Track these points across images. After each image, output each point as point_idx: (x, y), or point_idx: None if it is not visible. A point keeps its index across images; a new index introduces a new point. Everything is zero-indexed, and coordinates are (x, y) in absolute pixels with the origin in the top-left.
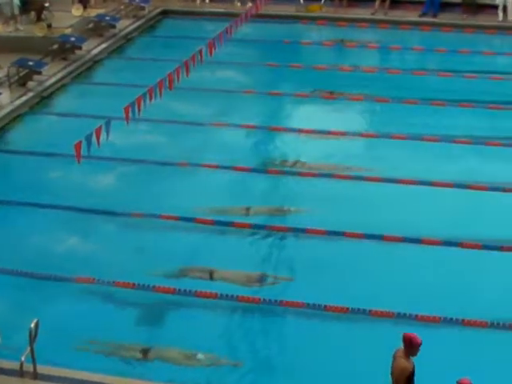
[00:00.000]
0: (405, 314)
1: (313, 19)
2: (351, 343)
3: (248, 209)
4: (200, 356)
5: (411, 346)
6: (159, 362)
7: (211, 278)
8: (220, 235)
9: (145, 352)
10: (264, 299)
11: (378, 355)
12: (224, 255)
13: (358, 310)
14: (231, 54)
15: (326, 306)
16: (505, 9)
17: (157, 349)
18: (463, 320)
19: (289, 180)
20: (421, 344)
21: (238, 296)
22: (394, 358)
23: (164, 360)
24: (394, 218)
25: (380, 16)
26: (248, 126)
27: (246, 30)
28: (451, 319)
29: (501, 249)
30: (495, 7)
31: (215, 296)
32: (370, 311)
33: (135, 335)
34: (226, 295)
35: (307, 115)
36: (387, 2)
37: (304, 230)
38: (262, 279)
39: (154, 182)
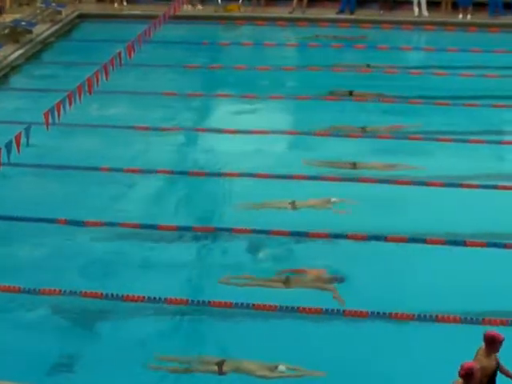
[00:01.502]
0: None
1: (231, 19)
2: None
3: (293, 202)
4: (281, 367)
5: (493, 344)
6: (236, 375)
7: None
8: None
9: (219, 365)
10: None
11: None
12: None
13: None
14: (150, 56)
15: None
16: (419, 4)
17: (232, 361)
18: None
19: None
20: (503, 340)
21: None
22: (476, 357)
23: (241, 372)
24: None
25: (298, 14)
26: (170, 129)
27: (164, 31)
28: None
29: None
30: (410, 3)
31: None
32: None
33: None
34: (287, 307)
35: (229, 116)
36: (305, 1)
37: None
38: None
39: (77, 187)
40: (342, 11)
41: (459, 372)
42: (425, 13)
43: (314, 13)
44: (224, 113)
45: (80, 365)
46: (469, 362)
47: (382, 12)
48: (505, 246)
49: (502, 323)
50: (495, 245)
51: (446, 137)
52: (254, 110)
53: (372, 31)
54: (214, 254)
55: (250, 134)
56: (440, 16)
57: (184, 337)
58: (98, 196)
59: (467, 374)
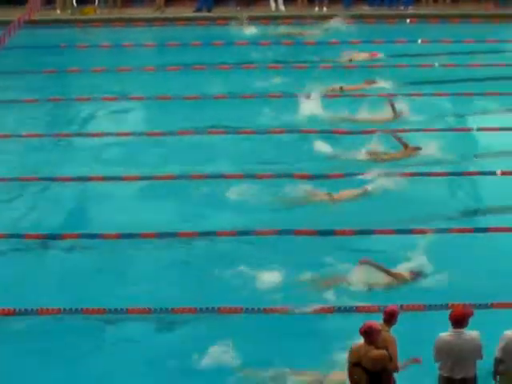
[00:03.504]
0: None
1: (88, 22)
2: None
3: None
4: None
5: (393, 318)
6: None
7: None
8: None
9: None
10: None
11: None
12: None
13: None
14: (7, 62)
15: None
16: None
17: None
18: None
19: None
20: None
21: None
22: (381, 334)
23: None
24: None
25: (156, 14)
26: (32, 135)
27: (20, 37)
28: None
29: None
30: None
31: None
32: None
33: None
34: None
35: (90, 119)
36: (162, 0)
37: None
38: None
39: None
40: (199, 9)
41: (360, 329)
42: (281, 7)
43: (172, 12)
44: (85, 116)
45: None
46: (371, 321)
47: (239, 8)
48: None
49: None
50: None
51: (311, 128)
52: (115, 111)
53: (229, 28)
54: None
55: (113, 137)
56: (297, 10)
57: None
58: None
59: (366, 332)
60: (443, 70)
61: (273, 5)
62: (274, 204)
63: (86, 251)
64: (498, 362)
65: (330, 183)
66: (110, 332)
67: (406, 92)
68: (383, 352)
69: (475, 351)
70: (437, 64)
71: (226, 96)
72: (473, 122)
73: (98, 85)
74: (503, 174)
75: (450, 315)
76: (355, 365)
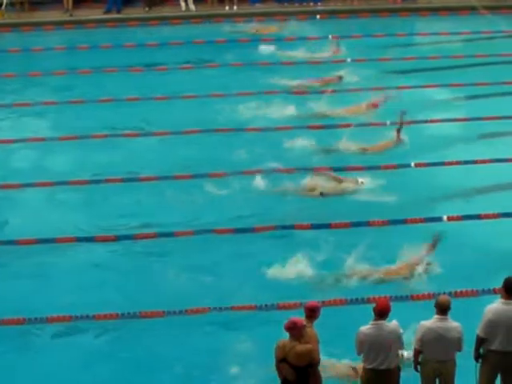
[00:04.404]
0: None
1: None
2: None
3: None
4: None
5: (315, 313)
6: None
7: None
8: None
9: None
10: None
11: None
12: None
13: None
14: None
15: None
16: None
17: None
18: None
19: None
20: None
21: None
22: (305, 329)
23: None
24: None
25: (65, 17)
26: None
27: None
28: None
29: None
30: None
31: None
32: None
33: None
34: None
35: (2, 124)
36: (70, 2)
37: None
38: None
39: None
40: (108, 11)
41: (284, 325)
42: (191, 6)
43: (81, 14)
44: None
45: None
46: (295, 317)
47: (147, 9)
48: None
49: None
50: None
51: (228, 127)
52: (27, 116)
53: (139, 29)
54: None
55: (25, 142)
56: (207, 9)
57: None
58: None
59: (290, 328)
60: (355, 65)
61: (183, 4)
62: (192, 205)
63: (1, 258)
64: (417, 352)
65: (246, 179)
66: (31, 342)
67: (319, 88)
68: (308, 346)
69: (396, 341)
70: (349, 59)
71: (138, 98)
72: (386, 116)
73: (8, 90)
74: (417, 166)
75: (375, 308)
76: (281, 361)
